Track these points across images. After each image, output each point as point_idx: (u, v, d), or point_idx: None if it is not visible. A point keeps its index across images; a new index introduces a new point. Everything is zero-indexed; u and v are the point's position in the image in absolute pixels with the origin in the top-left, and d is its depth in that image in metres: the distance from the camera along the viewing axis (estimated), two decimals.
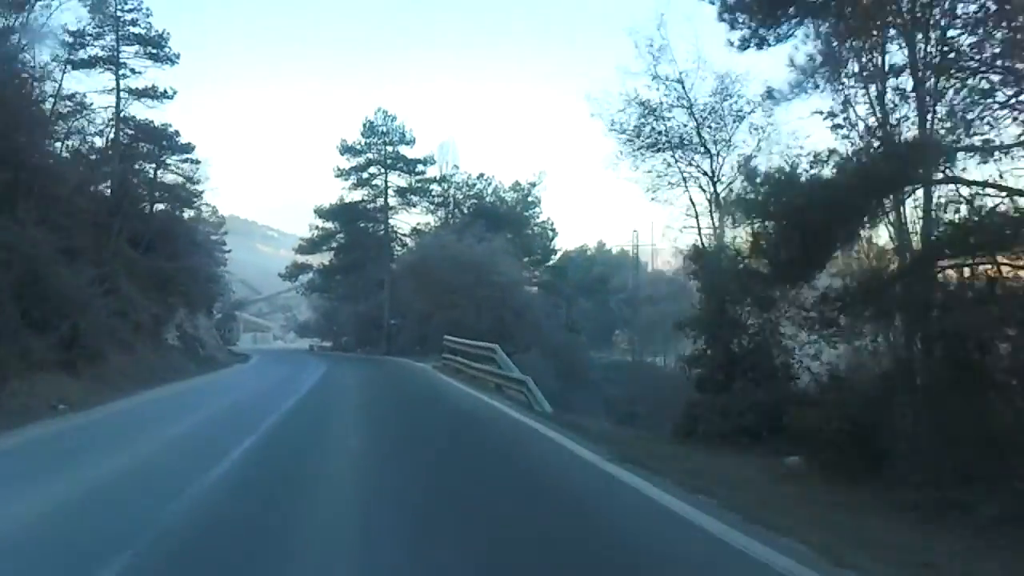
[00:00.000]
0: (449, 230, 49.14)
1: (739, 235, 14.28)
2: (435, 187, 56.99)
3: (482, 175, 56.32)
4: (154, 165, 46.72)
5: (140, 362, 26.09)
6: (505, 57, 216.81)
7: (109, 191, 35.49)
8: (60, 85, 32.83)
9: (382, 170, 56.48)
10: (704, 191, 15.92)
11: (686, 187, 16.13)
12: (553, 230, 58.26)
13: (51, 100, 32.00)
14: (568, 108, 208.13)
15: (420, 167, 56.38)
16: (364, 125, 55.62)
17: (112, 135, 41.24)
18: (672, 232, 16.95)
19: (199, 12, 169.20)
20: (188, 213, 54.68)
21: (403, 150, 56.31)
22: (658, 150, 16.17)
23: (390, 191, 56.84)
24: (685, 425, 13.12)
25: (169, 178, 51.14)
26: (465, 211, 54.99)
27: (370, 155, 56.13)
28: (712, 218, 15.70)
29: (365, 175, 56.76)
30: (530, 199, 56.52)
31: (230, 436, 11.28)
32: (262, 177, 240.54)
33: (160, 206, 47.20)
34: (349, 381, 25.53)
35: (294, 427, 13.42)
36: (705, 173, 15.76)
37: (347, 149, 55.93)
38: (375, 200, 57.50)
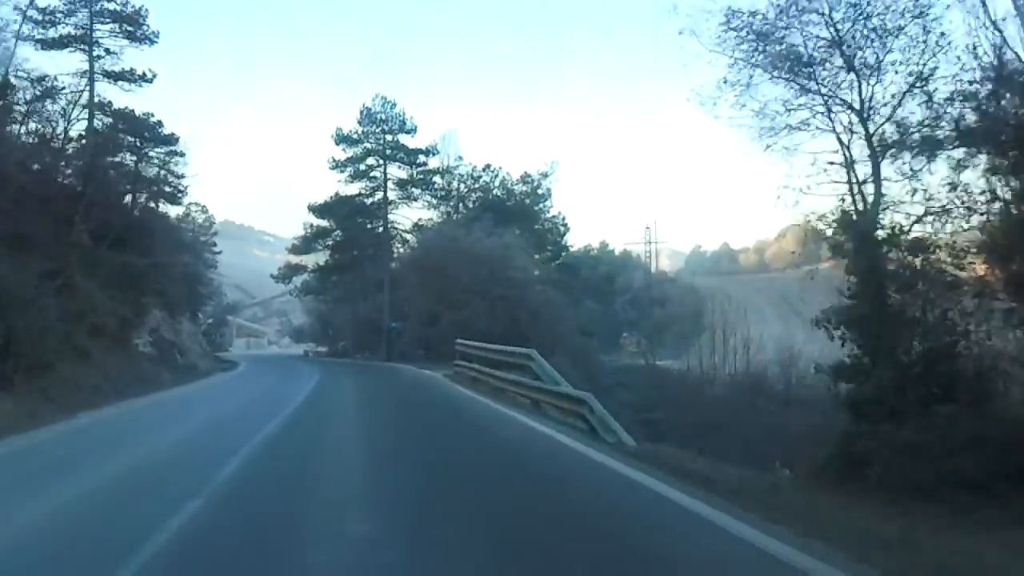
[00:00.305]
0: (455, 224, 45.04)
1: (917, 187, 10.19)
2: (438, 179, 52.80)
3: (488, 166, 52.17)
4: (135, 158, 43.55)
5: (99, 373, 21.99)
6: (508, 45, 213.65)
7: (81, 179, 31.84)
8: (13, 53, 29.03)
9: (381, 161, 52.33)
10: (842, 136, 11.65)
11: (832, 124, 11.79)
12: (564, 225, 54.16)
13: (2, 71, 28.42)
14: (570, 104, 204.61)
15: (422, 158, 52.35)
16: (361, 112, 51.54)
17: (84, 118, 38.00)
18: (790, 194, 12.35)
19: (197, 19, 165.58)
20: (176, 211, 51.18)
21: (403, 139, 52.30)
22: (781, 76, 11.91)
23: (389, 184, 52.73)
24: (841, 466, 9.00)
25: (151, 172, 48.31)
26: (470, 205, 50.87)
27: (368, 144, 51.93)
28: (855, 173, 11.40)
29: (362, 167, 52.61)
30: (540, 191, 52.38)
31: (165, 494, 7.32)
32: (257, 181, 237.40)
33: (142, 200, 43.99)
34: (347, 393, 21.44)
35: (268, 474, 9.31)
36: (850, 107, 11.50)
37: (343, 138, 51.74)
38: (373, 194, 53.35)
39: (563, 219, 53.79)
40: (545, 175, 51.69)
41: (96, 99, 40.35)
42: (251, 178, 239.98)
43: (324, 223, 55.13)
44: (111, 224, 28.80)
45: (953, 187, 9.55)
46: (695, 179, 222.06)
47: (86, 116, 38.59)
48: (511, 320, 32.05)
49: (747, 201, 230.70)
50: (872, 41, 11.23)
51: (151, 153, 46.57)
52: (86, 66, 39.00)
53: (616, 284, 77.51)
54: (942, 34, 10.81)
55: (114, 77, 40.29)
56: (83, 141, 35.79)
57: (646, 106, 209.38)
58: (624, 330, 78.98)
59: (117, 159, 38.82)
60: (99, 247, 27.81)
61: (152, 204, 45.82)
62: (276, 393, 20.66)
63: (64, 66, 35.93)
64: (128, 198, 40.08)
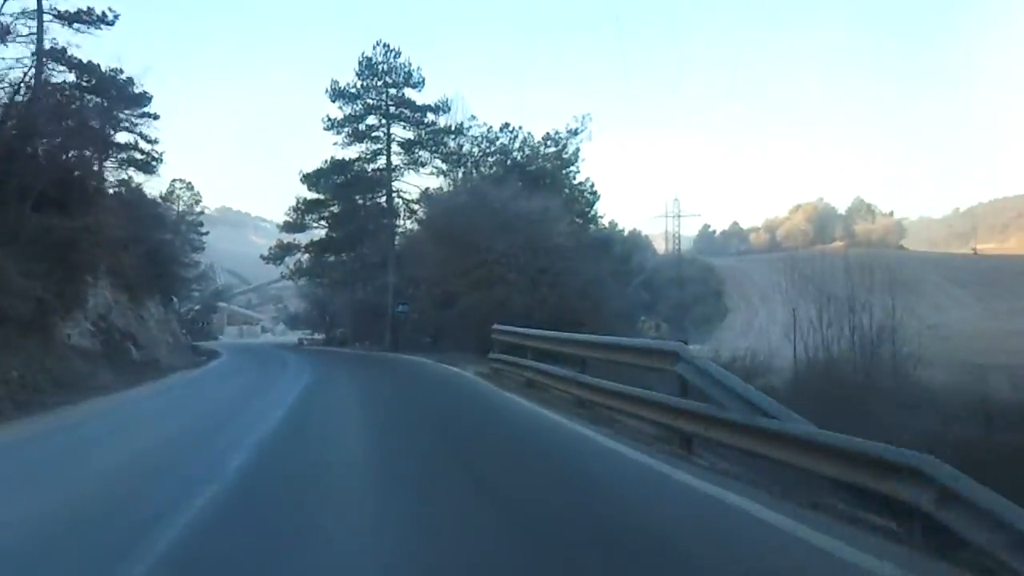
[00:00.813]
0: (481, 182, 37.93)
1: None
2: (449, 141, 45.40)
3: (507, 125, 44.89)
4: (99, 119, 37.60)
5: None
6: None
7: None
8: None
9: (383, 120, 45.18)
10: None
11: None
12: (593, 193, 47.04)
13: None
14: (577, 76, 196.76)
15: (430, 116, 44.99)
16: (360, 63, 44.15)
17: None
18: None
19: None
20: (157, 186, 45.54)
21: (409, 94, 45.04)
22: None
23: (393, 146, 45.56)
24: None
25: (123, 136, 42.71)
26: (484, 171, 43.79)
27: (369, 100, 44.70)
28: None
29: (362, 127, 45.34)
30: (565, 154, 45.22)
31: None
32: (254, 166, 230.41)
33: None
34: (348, 413, 13.70)
35: None
36: None
37: (340, 94, 44.47)
38: (375, 158, 46.12)
39: (592, 186, 46.78)
40: (575, 132, 44.34)
41: (49, 46, 34.40)
42: (247, 162, 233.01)
43: (318, 195, 48.05)
44: (38, 179, 21.90)
45: None
46: (702, 159, 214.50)
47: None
48: (559, 299, 25.18)
49: (756, 178, 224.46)
50: None
51: (120, 115, 41.34)
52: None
53: (630, 265, 72.48)
54: None
55: (67, 19, 34.15)
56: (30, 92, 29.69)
57: (650, 89, 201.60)
58: (640, 313, 74.13)
59: (83, 121, 32.73)
60: (22, 208, 21.06)
61: (125, 175, 40.35)
62: (237, 410, 13.30)
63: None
64: (101, 163, 34.48)
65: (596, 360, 12.31)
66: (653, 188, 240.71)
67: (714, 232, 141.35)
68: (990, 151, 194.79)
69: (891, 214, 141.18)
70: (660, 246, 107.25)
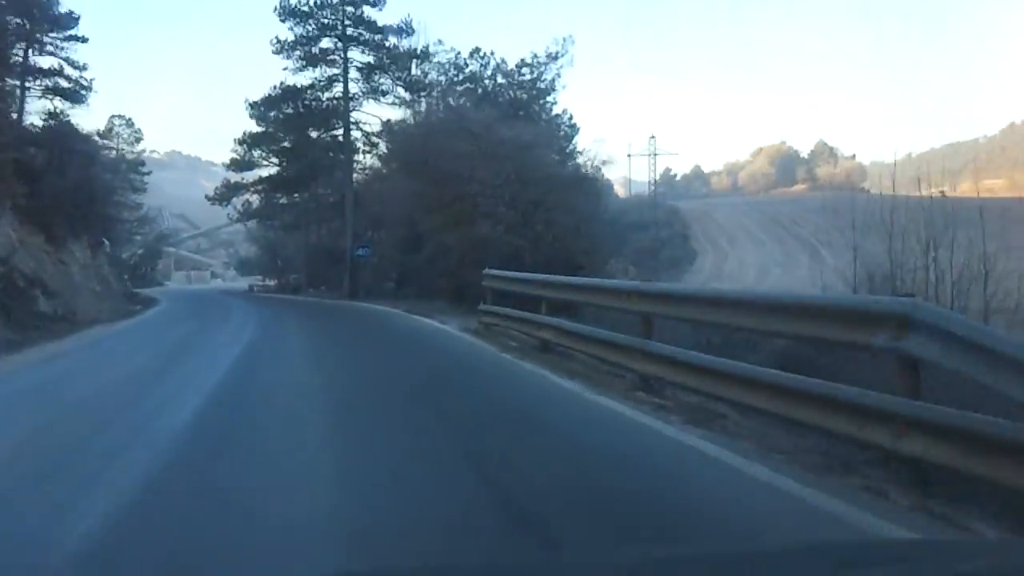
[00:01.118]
0: (452, 107, 33.65)
1: None
2: (413, 67, 40.69)
3: (478, 50, 40.39)
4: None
5: None
6: None
7: None
8: None
9: (339, 43, 40.34)
10: None
11: None
12: (571, 126, 42.99)
13: None
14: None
15: (392, 39, 40.17)
16: None
17: None
18: None
19: None
20: (89, 121, 41.18)
21: (368, 13, 40.03)
22: None
23: (351, 71, 40.74)
24: None
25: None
26: (452, 102, 39.31)
27: (323, 19, 39.62)
28: None
29: (315, 50, 40.36)
30: (542, 83, 40.91)
31: None
32: (207, 111, 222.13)
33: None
34: (303, 404, 8.54)
35: None
36: None
37: (290, 12, 39.34)
38: (330, 86, 41.34)
39: (570, 118, 42.70)
40: (555, 57, 39.81)
41: None
42: (198, 104, 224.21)
43: (266, 128, 43.27)
44: None
45: None
46: (663, 101, 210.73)
47: None
48: (553, 238, 21.32)
49: (718, 122, 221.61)
50: None
51: (44, 37, 37.03)
52: None
53: (600, 206, 68.86)
54: None
55: None
56: None
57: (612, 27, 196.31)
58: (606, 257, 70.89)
59: None
60: None
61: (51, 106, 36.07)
62: (137, 398, 8.90)
63: None
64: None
65: (672, 321, 8.51)
66: (609, 130, 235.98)
67: (675, 176, 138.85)
68: (943, 97, 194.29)
69: (853, 157, 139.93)
70: (619, 190, 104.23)
